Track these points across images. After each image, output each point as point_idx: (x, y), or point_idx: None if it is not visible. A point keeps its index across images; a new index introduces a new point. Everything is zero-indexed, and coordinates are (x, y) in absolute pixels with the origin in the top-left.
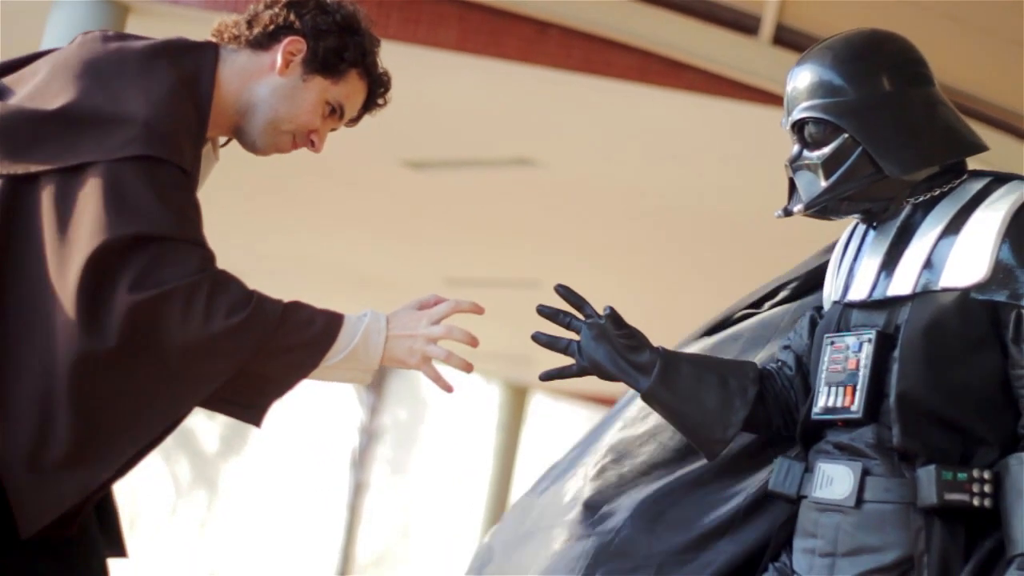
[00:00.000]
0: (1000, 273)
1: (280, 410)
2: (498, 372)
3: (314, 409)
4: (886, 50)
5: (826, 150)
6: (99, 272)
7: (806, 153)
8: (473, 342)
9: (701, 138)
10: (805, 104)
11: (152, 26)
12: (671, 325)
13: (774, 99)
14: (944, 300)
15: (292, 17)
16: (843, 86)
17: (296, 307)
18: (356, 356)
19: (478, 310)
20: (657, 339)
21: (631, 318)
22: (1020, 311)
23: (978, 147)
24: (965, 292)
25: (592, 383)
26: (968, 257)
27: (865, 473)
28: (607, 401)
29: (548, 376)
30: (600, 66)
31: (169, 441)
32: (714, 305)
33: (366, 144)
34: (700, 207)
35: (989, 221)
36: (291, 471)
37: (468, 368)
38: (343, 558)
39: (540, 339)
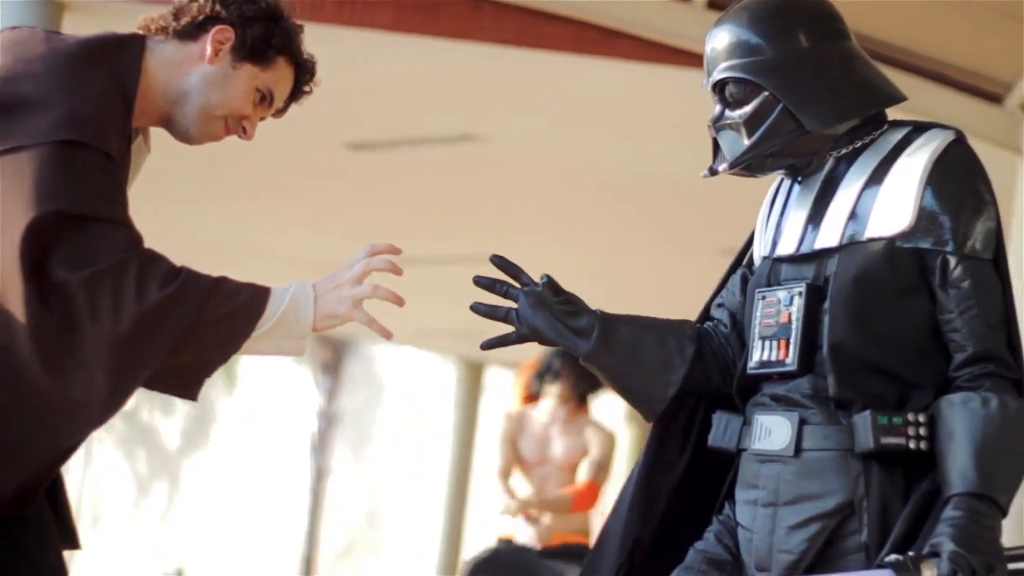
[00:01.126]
0: (924, 220)
1: (240, 400)
2: (453, 348)
3: (272, 396)
4: (801, 7)
5: (747, 109)
6: (29, 253)
7: (728, 113)
8: (399, 300)
9: (640, 105)
10: (724, 64)
11: (88, 22)
12: (623, 293)
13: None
14: (871, 250)
15: (219, 7)
16: (761, 44)
17: (223, 280)
18: (286, 322)
19: (396, 270)
20: (611, 307)
21: (584, 288)
22: (945, 256)
23: (896, 98)
24: (891, 241)
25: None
26: (892, 206)
27: (802, 423)
28: None
29: (489, 344)
30: (535, 38)
31: (130, 437)
32: (665, 272)
33: (309, 128)
34: (644, 174)
35: (911, 169)
36: (253, 460)
37: (400, 302)
38: (308, 545)
39: (479, 309)
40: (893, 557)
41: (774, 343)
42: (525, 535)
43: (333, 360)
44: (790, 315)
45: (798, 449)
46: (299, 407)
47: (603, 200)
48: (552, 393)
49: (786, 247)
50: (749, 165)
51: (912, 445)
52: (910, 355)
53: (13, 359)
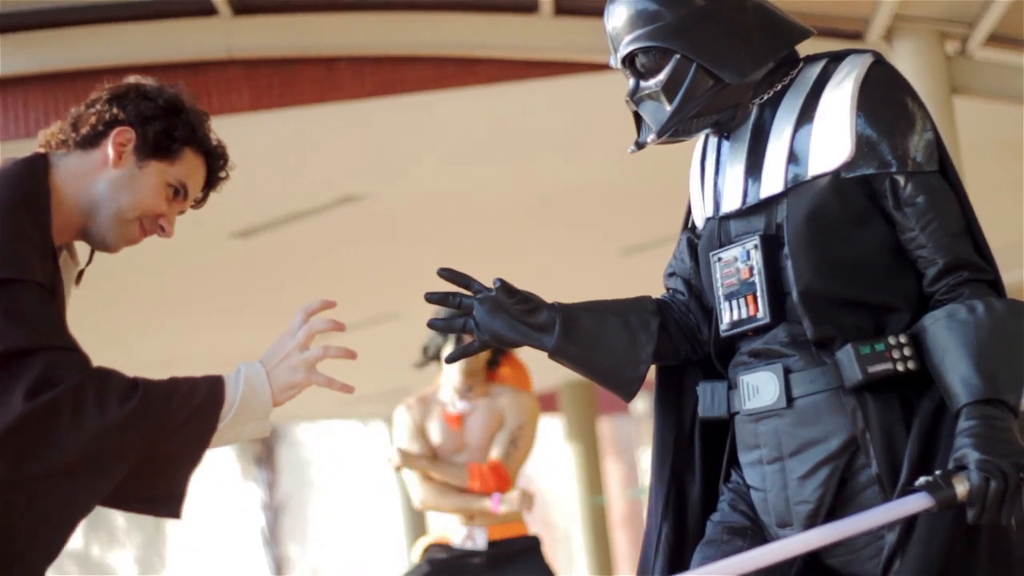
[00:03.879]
0: (863, 147)
1: (189, 512)
2: (380, 411)
3: (215, 501)
4: None
5: (662, 76)
6: None
7: (643, 84)
8: (351, 355)
9: (507, 124)
10: (629, 37)
11: None
12: None
13: (570, 68)
14: (817, 187)
15: (115, 110)
16: (659, 10)
17: (176, 382)
18: (248, 405)
19: (338, 327)
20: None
21: None
22: (893, 177)
23: (804, 33)
24: (835, 174)
25: None
26: (829, 140)
27: (787, 372)
28: None
29: (453, 357)
30: (396, 85)
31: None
32: (567, 278)
33: (192, 226)
34: (528, 188)
35: (839, 100)
36: (211, 568)
37: (352, 356)
38: None
39: (436, 324)
40: (923, 479)
41: (741, 300)
42: (460, 536)
43: (265, 452)
44: (751, 269)
45: (789, 399)
46: (242, 504)
47: (496, 223)
48: (454, 368)
49: (730, 203)
50: (676, 130)
51: (900, 367)
52: (878, 281)
53: None
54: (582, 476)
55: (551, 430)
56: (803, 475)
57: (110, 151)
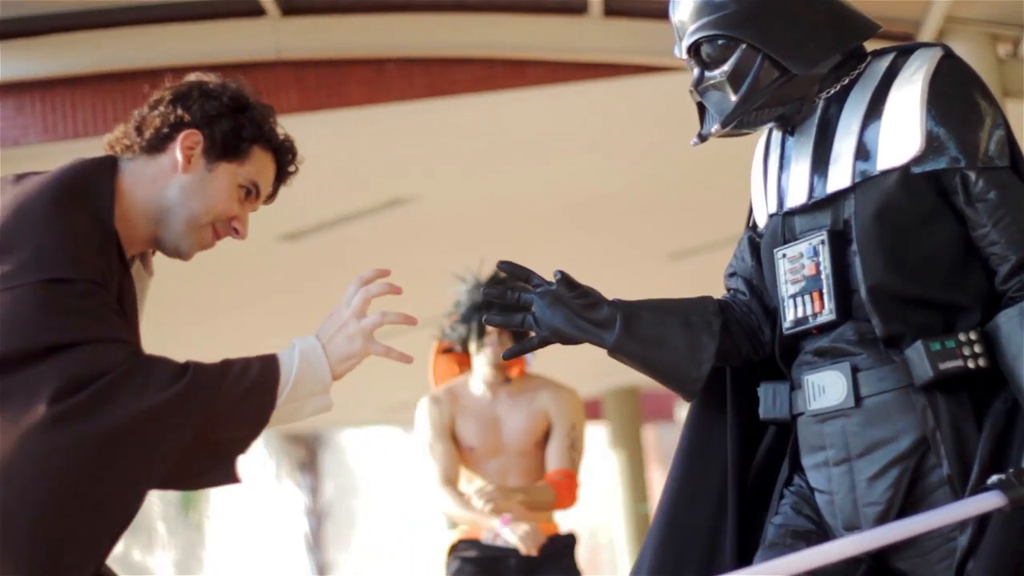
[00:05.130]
0: (934, 142)
1: (227, 516)
2: None
3: (257, 505)
4: None
5: (727, 66)
6: (27, 386)
7: (708, 74)
8: (410, 320)
9: (558, 127)
10: (695, 26)
11: None
12: None
13: (620, 70)
14: (887, 182)
15: (180, 111)
16: (717, 3)
17: (229, 363)
18: (305, 379)
19: (395, 290)
20: None
21: None
22: (964, 173)
23: (872, 27)
24: (905, 169)
25: None
26: (898, 135)
27: (855, 370)
28: None
29: (511, 354)
30: (445, 86)
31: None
32: (617, 281)
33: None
34: (578, 191)
35: (909, 94)
36: (252, 572)
37: (412, 322)
38: None
39: (494, 321)
40: (996, 477)
41: (806, 297)
42: (490, 533)
43: (308, 457)
44: (817, 266)
45: (858, 398)
46: (286, 510)
47: (548, 229)
48: (484, 359)
49: (795, 199)
50: (741, 122)
51: (971, 364)
52: (948, 279)
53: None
54: (626, 483)
55: (595, 437)
56: (872, 476)
57: (179, 156)
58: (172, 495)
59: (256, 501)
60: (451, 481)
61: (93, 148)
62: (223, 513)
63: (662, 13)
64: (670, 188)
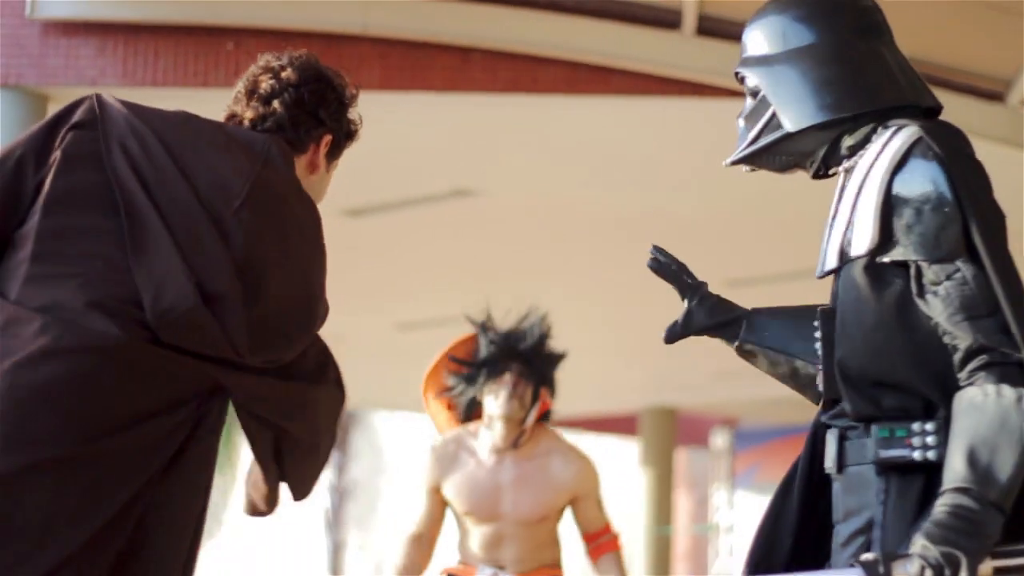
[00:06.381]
0: (890, 231)
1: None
2: None
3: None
4: (819, 2)
5: (749, 103)
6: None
7: (744, 103)
8: None
9: (636, 140)
10: (741, 59)
11: None
12: (635, 331)
13: (705, 90)
14: (858, 268)
15: (322, 113)
16: (763, 40)
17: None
18: None
19: None
20: (626, 354)
21: (596, 334)
22: (918, 264)
23: (898, 95)
24: (871, 256)
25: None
26: (866, 221)
27: (842, 439)
28: (572, 423)
29: (673, 336)
30: (528, 84)
31: None
32: (676, 307)
33: None
34: (646, 209)
35: (875, 178)
36: (268, 541)
37: None
38: None
39: (656, 266)
40: (865, 556)
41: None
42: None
43: (340, 434)
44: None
45: (840, 465)
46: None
47: (606, 240)
48: (497, 409)
49: (818, 267)
50: (750, 159)
51: (918, 456)
52: (918, 366)
53: None
54: (651, 504)
55: (626, 454)
56: (843, 542)
57: (320, 160)
58: None
59: None
60: (419, 537)
61: (169, 98)
62: None
63: None
64: (736, 215)
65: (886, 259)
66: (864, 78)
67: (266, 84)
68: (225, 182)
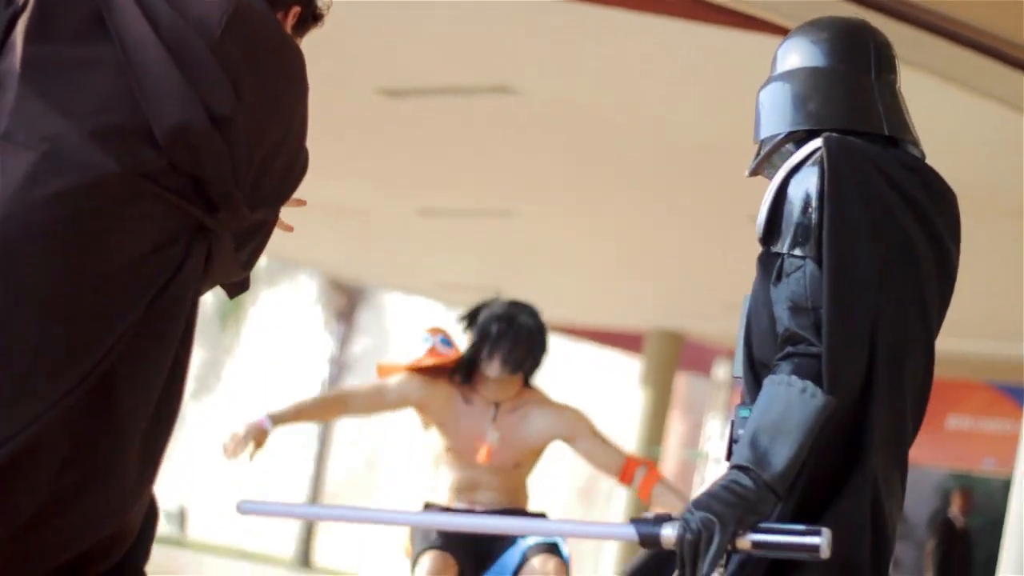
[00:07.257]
0: (772, 224)
1: (252, 345)
2: (464, 301)
3: (284, 341)
4: (844, 31)
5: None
6: None
7: None
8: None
9: (684, 65)
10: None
11: None
12: (646, 257)
13: (761, 25)
14: (757, 258)
15: None
16: (779, 58)
17: None
18: None
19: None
20: (632, 272)
21: (611, 249)
22: (781, 256)
23: (844, 118)
24: (762, 246)
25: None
26: (762, 215)
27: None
28: (573, 331)
29: None
30: None
31: None
32: (692, 235)
33: (342, 72)
34: (678, 136)
35: (777, 180)
36: (262, 403)
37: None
38: (313, 490)
39: None
40: (646, 515)
41: None
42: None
43: (347, 307)
44: None
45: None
46: (310, 353)
47: (632, 161)
48: (488, 377)
49: None
50: (756, 168)
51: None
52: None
53: None
54: (646, 423)
55: (628, 371)
56: None
57: (287, 30)
58: (212, 308)
59: (287, 339)
60: (342, 400)
61: None
62: (252, 340)
63: None
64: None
65: (773, 250)
66: (837, 96)
67: None
68: (203, 13)
